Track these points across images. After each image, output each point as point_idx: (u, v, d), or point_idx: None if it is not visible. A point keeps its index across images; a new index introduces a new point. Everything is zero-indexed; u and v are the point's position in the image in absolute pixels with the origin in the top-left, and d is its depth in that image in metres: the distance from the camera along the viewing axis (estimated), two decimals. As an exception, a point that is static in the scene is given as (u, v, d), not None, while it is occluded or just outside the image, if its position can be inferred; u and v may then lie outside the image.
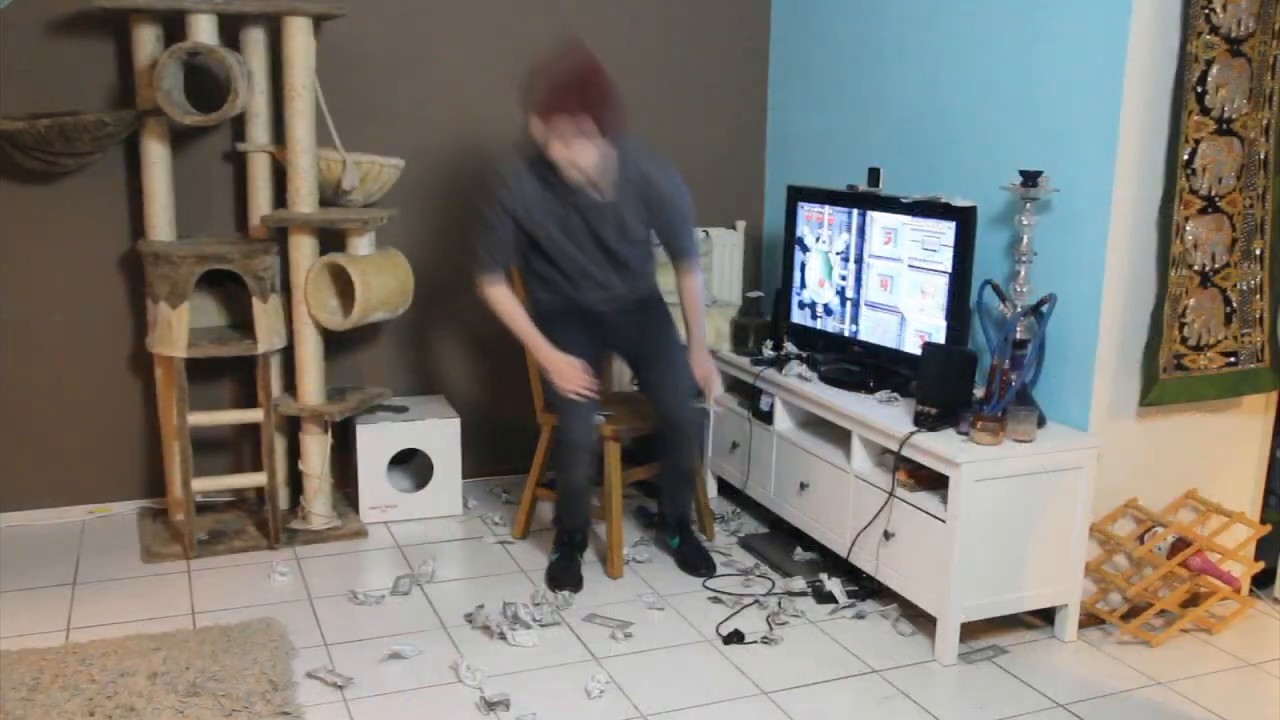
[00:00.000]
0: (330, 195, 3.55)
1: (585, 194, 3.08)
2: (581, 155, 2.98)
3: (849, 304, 3.46)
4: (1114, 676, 2.81)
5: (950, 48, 3.39)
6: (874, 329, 3.37)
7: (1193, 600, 3.11)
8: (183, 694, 2.56)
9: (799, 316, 3.67)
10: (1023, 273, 3.01)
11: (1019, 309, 3.01)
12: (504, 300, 3.21)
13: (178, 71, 3.25)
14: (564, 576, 3.23)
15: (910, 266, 3.22)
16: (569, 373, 3.13)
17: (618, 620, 3.04)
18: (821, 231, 3.55)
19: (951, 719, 2.61)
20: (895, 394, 3.20)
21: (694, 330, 3.33)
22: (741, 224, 4.26)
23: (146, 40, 3.30)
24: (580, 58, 2.99)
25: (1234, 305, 2.98)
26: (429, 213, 3.91)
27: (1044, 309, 2.95)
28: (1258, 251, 2.97)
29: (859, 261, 3.40)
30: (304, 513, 3.62)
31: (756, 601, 3.17)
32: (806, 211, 3.60)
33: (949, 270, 3.09)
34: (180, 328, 3.33)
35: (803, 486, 3.37)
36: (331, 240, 3.54)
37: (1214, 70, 2.80)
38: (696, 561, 3.36)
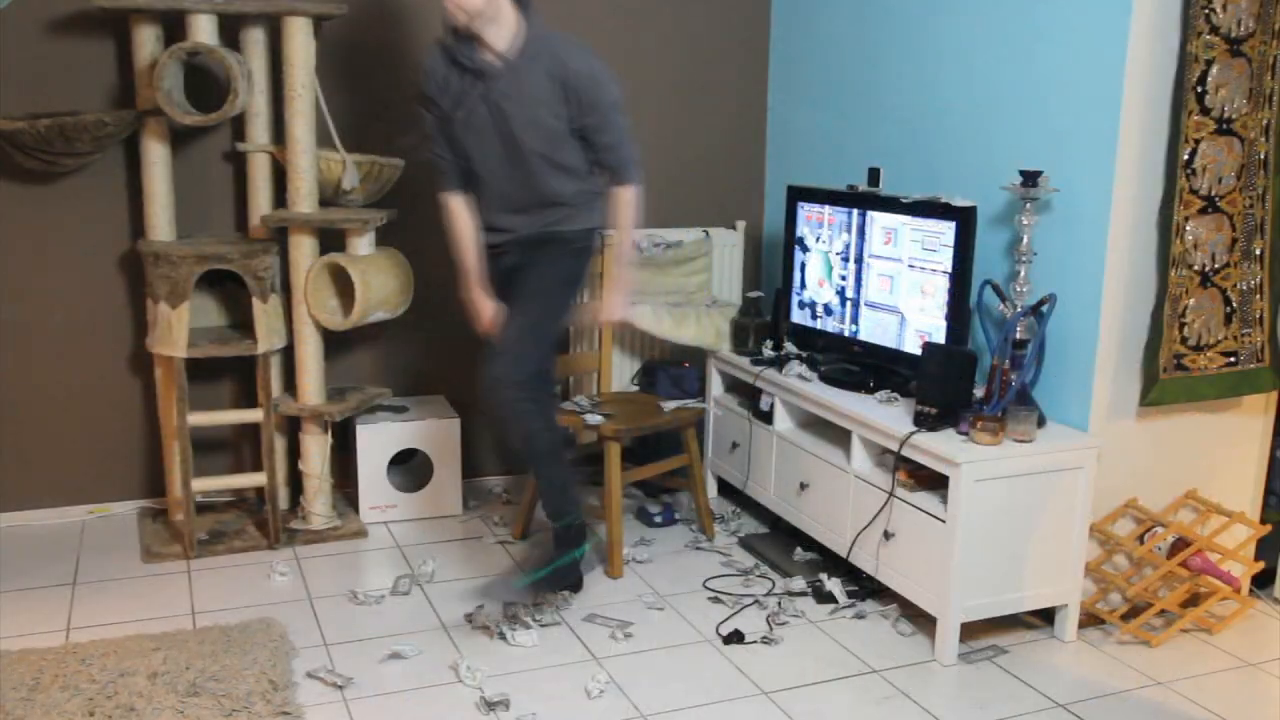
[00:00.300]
0: (330, 195, 3.55)
1: (488, 66, 2.80)
2: None
3: (849, 304, 3.46)
4: (1114, 676, 2.81)
5: (950, 48, 3.39)
6: (874, 329, 3.37)
7: (1193, 600, 3.11)
8: (183, 694, 2.56)
9: (799, 316, 3.67)
10: (1023, 273, 3.01)
11: (1019, 309, 3.01)
12: (453, 214, 2.98)
13: (178, 71, 3.25)
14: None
15: (910, 266, 3.22)
16: (483, 315, 3.00)
17: (618, 620, 3.04)
18: (821, 231, 3.55)
19: (951, 719, 2.61)
20: (895, 394, 3.20)
21: (617, 249, 3.01)
22: (741, 224, 4.26)
23: (146, 40, 3.30)
24: None
25: (1234, 305, 2.98)
26: (429, 213, 3.91)
27: (1044, 309, 2.95)
28: (1258, 251, 2.97)
29: (859, 261, 3.40)
30: (304, 513, 3.62)
31: (756, 601, 3.17)
32: (806, 211, 3.60)
33: (949, 270, 3.09)
34: (180, 328, 3.33)
35: (803, 486, 3.37)
36: (331, 240, 3.54)
37: (1214, 70, 2.80)
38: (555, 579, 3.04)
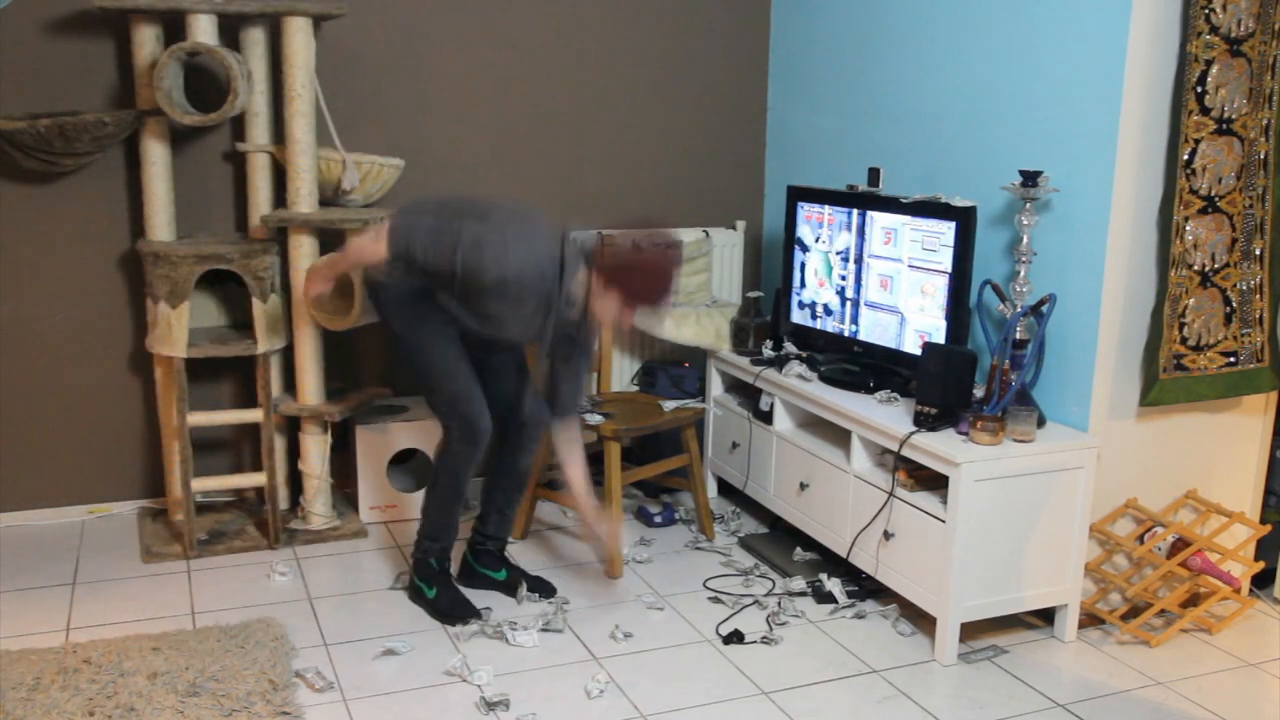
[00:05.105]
0: (330, 195, 3.55)
1: (566, 315, 2.84)
2: (622, 318, 2.76)
3: (849, 304, 3.46)
4: (1114, 676, 2.81)
5: (950, 48, 3.39)
6: (874, 329, 3.37)
7: (1193, 600, 3.11)
8: (183, 694, 2.56)
9: (799, 316, 3.67)
10: (1023, 273, 3.01)
11: (1019, 309, 3.01)
12: (371, 264, 2.84)
13: (178, 71, 3.25)
14: (458, 608, 3.03)
15: (910, 266, 3.22)
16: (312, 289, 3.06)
17: (618, 620, 3.04)
18: (821, 231, 3.55)
19: (951, 719, 2.61)
20: (895, 394, 3.20)
21: (579, 486, 3.06)
22: (741, 224, 4.26)
23: (146, 40, 3.30)
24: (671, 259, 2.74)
25: (1234, 305, 2.98)
26: (429, 213, 3.90)
27: (1044, 309, 2.95)
28: (1258, 251, 2.97)
29: (859, 261, 3.40)
30: (304, 513, 3.62)
31: (756, 601, 3.17)
32: (806, 211, 3.60)
33: (949, 270, 3.09)
34: (180, 328, 3.33)
35: (803, 486, 3.37)
36: (331, 240, 3.54)
37: (1214, 70, 2.80)
38: (535, 585, 3.19)
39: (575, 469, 3.05)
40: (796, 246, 3.65)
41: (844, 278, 3.47)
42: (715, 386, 3.90)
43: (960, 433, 2.89)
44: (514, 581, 3.20)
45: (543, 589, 3.19)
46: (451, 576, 3.13)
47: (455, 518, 3.09)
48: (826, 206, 3.51)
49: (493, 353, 3.08)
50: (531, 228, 2.75)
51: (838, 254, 3.48)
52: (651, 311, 2.76)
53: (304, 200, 3.40)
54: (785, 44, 4.21)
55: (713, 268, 4.13)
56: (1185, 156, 2.83)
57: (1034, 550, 2.88)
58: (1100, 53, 2.85)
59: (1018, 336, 2.97)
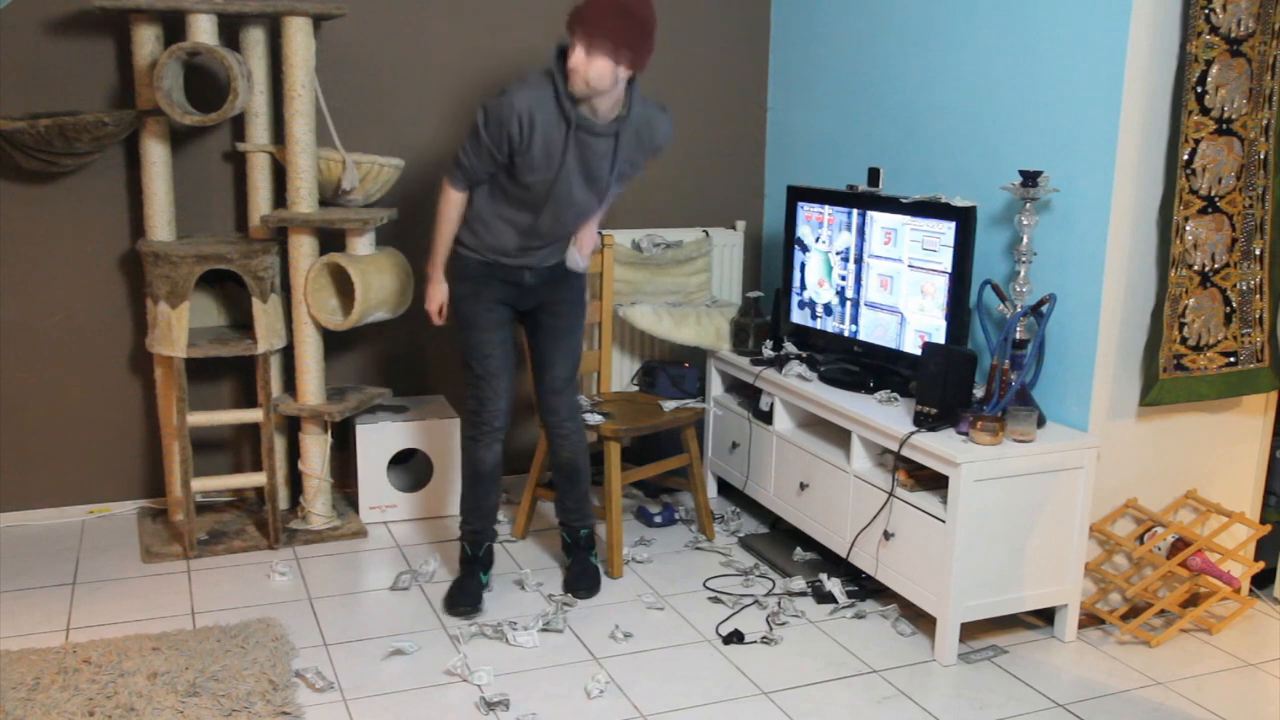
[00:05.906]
0: (330, 195, 3.55)
1: (591, 126, 2.85)
2: (598, 73, 2.75)
3: (849, 304, 3.46)
4: (1114, 676, 2.81)
5: (950, 47, 3.39)
6: (874, 329, 3.37)
7: (1192, 600, 3.11)
8: (183, 694, 2.56)
9: (799, 316, 3.67)
10: (1023, 273, 3.01)
11: (1019, 309, 3.01)
12: (454, 204, 2.99)
13: (178, 71, 3.25)
14: (460, 596, 3.08)
15: (910, 266, 3.22)
16: (435, 300, 3.08)
17: (617, 620, 3.04)
18: (821, 231, 3.55)
19: (951, 719, 2.61)
20: (895, 394, 3.20)
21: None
22: (741, 224, 4.26)
23: (146, 40, 3.30)
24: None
25: (1234, 305, 2.98)
26: (429, 213, 3.90)
27: (1044, 309, 2.95)
28: (1258, 251, 2.97)
29: (859, 261, 3.40)
30: (304, 513, 3.62)
31: (756, 601, 3.17)
32: (806, 211, 3.60)
33: (949, 270, 3.09)
34: (180, 328, 3.33)
35: (803, 486, 3.37)
36: (331, 240, 3.54)
37: (1214, 70, 2.80)
38: (576, 581, 3.23)
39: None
40: (796, 246, 3.65)
41: (844, 278, 3.47)
42: (715, 386, 3.90)
43: (960, 433, 2.89)
44: (567, 576, 3.29)
45: (577, 587, 3.21)
46: (477, 565, 3.16)
47: (477, 500, 3.15)
48: (826, 206, 3.51)
49: (558, 312, 3.14)
50: (523, 80, 2.87)
51: (838, 254, 3.48)
52: (644, 34, 2.77)
53: (304, 200, 3.40)
54: (785, 44, 4.21)
55: (713, 268, 4.13)
56: (1185, 156, 2.83)
57: (1034, 550, 2.88)
58: (1100, 53, 2.85)
59: (1018, 336, 2.98)
